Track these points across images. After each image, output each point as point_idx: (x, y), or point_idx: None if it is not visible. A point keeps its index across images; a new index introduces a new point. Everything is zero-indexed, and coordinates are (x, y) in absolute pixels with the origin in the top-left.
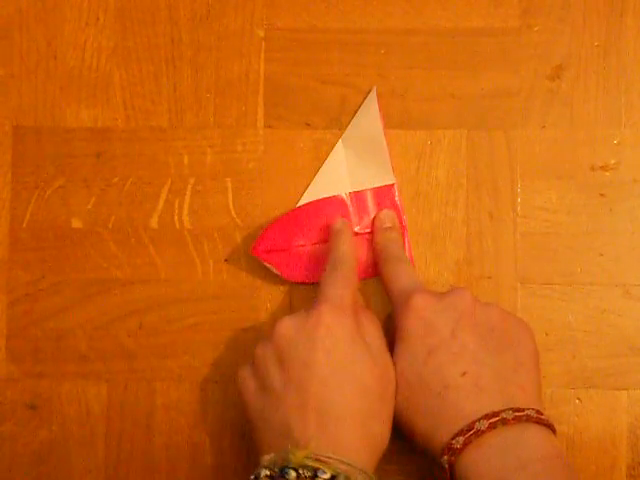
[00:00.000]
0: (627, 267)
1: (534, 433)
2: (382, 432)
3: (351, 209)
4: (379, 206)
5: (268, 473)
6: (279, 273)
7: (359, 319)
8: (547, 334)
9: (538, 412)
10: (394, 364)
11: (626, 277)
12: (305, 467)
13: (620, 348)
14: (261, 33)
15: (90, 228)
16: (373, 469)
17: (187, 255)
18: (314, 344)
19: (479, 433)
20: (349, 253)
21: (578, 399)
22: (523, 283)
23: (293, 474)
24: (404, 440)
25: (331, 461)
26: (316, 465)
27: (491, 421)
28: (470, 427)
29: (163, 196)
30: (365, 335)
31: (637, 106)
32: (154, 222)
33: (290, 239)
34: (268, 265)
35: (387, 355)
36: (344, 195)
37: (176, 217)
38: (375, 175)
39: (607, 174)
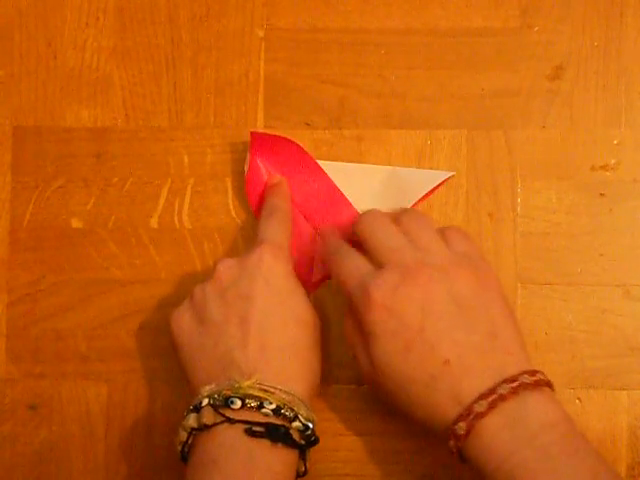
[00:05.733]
0: (627, 267)
1: (535, 401)
2: (318, 365)
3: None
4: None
5: (211, 402)
6: (245, 170)
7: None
8: (547, 334)
9: (531, 373)
10: (372, 360)
11: (626, 277)
12: (251, 397)
13: (620, 348)
14: (261, 33)
15: (90, 228)
16: (310, 401)
17: (187, 255)
18: (255, 278)
19: (481, 415)
20: (283, 202)
21: (578, 399)
22: (523, 283)
23: (239, 403)
24: (405, 440)
25: (276, 392)
26: (262, 395)
27: (489, 400)
28: (469, 410)
29: (163, 196)
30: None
31: (637, 106)
32: (154, 222)
33: (282, 163)
34: (248, 156)
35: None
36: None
37: (176, 217)
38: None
39: (607, 174)
